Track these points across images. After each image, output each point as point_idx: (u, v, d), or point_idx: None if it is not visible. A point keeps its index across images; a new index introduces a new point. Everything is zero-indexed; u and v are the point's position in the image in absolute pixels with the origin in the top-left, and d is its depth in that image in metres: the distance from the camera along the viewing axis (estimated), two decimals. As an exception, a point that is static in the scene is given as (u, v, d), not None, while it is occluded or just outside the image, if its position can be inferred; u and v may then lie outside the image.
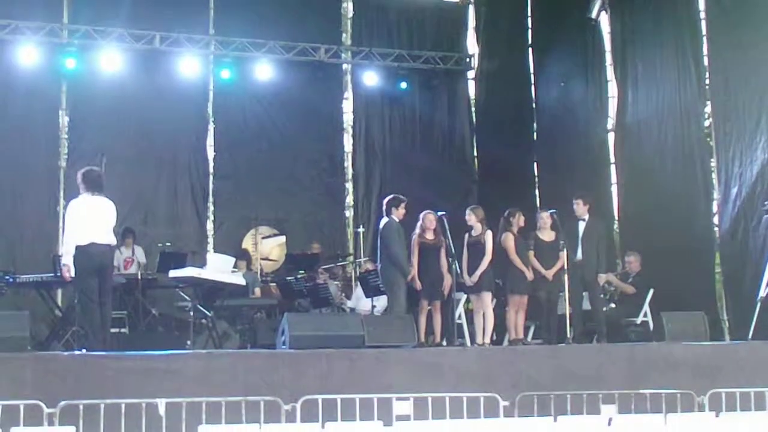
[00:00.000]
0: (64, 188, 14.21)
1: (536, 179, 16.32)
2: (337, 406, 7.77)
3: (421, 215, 11.14)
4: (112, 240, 9.48)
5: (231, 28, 15.24)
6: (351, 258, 14.45)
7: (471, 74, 16.75)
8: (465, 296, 11.64)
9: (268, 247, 14.69)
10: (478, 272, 10.90)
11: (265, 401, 7.62)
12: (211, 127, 15.36)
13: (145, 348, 9.13)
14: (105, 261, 9.28)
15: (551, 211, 11.58)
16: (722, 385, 8.68)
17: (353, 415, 7.72)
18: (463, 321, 11.86)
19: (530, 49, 16.59)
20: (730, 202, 12.82)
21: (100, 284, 9.14)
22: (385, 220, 11.09)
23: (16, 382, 7.81)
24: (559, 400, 8.42)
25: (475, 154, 16.65)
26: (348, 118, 16.21)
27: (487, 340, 10.87)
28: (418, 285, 10.91)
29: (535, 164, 16.40)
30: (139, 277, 11.92)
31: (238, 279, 11.39)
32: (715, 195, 13.22)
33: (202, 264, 11.85)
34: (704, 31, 13.53)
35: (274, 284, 13.22)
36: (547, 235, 11.53)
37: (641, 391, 8.65)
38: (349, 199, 16.04)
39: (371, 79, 15.86)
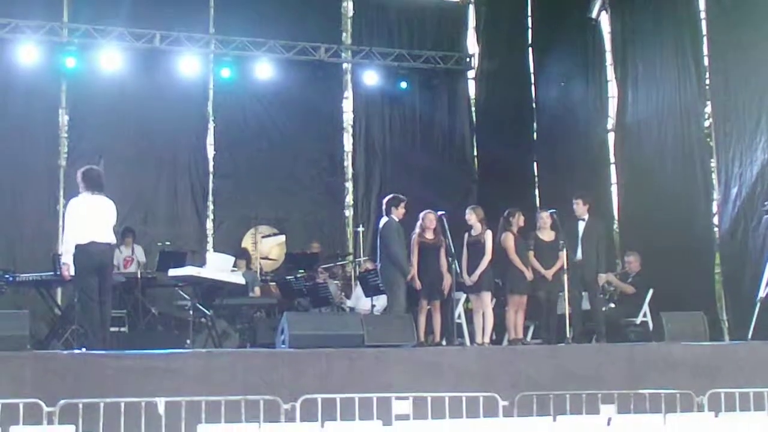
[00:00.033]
0: (63, 187, 14.20)
1: (536, 179, 16.32)
2: (337, 406, 7.76)
3: (421, 215, 11.14)
4: (111, 239, 9.48)
5: (231, 27, 15.24)
6: (351, 257, 14.45)
7: (471, 74, 16.75)
8: (464, 296, 11.63)
9: (268, 246, 14.69)
10: (478, 272, 10.90)
11: (265, 400, 7.62)
12: (211, 126, 15.35)
13: (144, 347, 9.13)
14: (105, 260, 9.28)
15: (551, 210, 11.58)
16: (721, 386, 8.68)
17: (352, 415, 7.72)
18: (463, 321, 11.86)
19: (530, 49, 16.59)
20: (730, 202, 12.83)
21: (100, 283, 9.14)
22: (384, 219, 11.09)
23: (16, 380, 7.81)
24: (559, 400, 8.42)
25: (475, 153, 16.65)
26: (348, 117, 16.21)
27: (487, 339, 10.87)
28: (418, 284, 10.90)
29: (535, 164, 16.40)
30: (139, 276, 11.94)
31: (238, 278, 11.40)
32: (715, 195, 13.23)
33: (201, 263, 11.86)
34: (704, 31, 13.54)
35: (274, 283, 13.23)
36: (546, 234, 11.53)
37: (640, 391, 8.65)
38: (349, 199, 16.04)
39: (371, 78, 15.85)
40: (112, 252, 9.78)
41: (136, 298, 11.92)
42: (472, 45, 16.72)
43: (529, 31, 16.59)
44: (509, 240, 11.19)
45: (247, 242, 14.43)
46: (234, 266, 11.98)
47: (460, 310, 11.78)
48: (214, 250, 14.38)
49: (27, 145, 14.19)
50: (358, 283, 12.55)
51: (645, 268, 12.45)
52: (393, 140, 16.19)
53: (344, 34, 16.17)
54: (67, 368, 8.08)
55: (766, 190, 12.25)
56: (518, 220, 11.37)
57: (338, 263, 14.02)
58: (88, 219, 9.17)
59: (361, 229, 14.78)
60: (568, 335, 10.97)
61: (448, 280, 10.95)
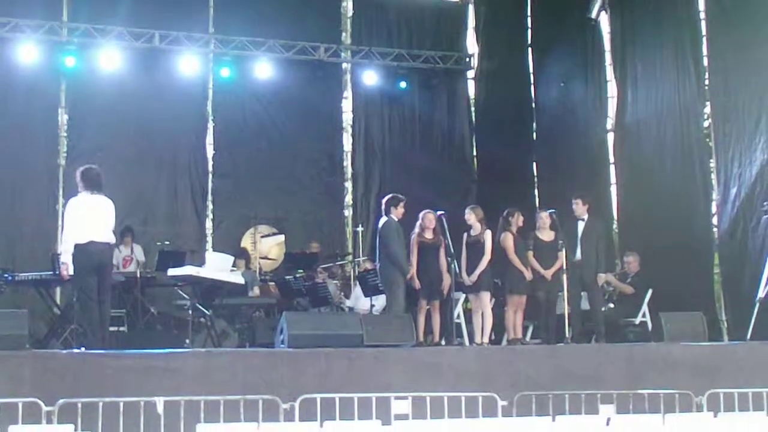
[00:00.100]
0: (63, 186, 14.19)
1: (536, 179, 16.31)
2: (336, 405, 7.77)
3: (421, 214, 11.14)
4: (111, 238, 9.47)
5: (231, 26, 15.23)
6: (350, 257, 14.44)
7: (471, 74, 16.73)
8: (464, 296, 11.62)
9: (267, 246, 14.69)
10: (477, 272, 10.90)
11: (264, 400, 7.62)
12: (210, 125, 15.34)
13: (143, 346, 9.14)
14: (104, 259, 9.28)
15: (550, 210, 11.59)
16: (720, 386, 8.68)
17: (352, 414, 7.73)
18: (462, 320, 11.85)
19: (530, 49, 16.58)
20: (729, 202, 12.83)
21: (99, 282, 9.14)
22: (384, 219, 11.08)
23: (15, 380, 7.81)
24: (558, 400, 8.42)
25: (475, 153, 16.63)
26: (347, 117, 16.19)
27: (486, 339, 10.87)
28: (417, 284, 10.91)
29: (535, 164, 16.39)
30: (138, 275, 11.93)
31: (237, 278, 11.40)
32: (714, 195, 13.23)
33: (201, 263, 11.86)
34: (704, 31, 13.54)
35: (273, 283, 13.22)
36: (546, 234, 11.53)
37: (640, 391, 8.65)
38: (348, 199, 16.03)
39: (371, 78, 15.84)
40: (111, 251, 9.77)
41: (135, 298, 11.92)
42: (472, 45, 16.70)
43: (529, 31, 16.59)
44: (508, 240, 11.19)
45: (246, 242, 14.42)
46: (233, 266, 11.98)
47: (459, 310, 11.77)
48: (214, 250, 14.37)
49: (26, 145, 14.18)
50: (358, 282, 12.55)
51: (644, 268, 12.45)
52: (392, 140, 16.18)
53: (344, 34, 16.16)
54: (66, 368, 8.08)
55: (766, 191, 12.26)
56: (517, 220, 11.37)
57: (337, 263, 14.01)
58: (87, 218, 9.17)
59: (360, 228, 14.77)
60: (567, 335, 10.97)
61: (447, 280, 10.95)
